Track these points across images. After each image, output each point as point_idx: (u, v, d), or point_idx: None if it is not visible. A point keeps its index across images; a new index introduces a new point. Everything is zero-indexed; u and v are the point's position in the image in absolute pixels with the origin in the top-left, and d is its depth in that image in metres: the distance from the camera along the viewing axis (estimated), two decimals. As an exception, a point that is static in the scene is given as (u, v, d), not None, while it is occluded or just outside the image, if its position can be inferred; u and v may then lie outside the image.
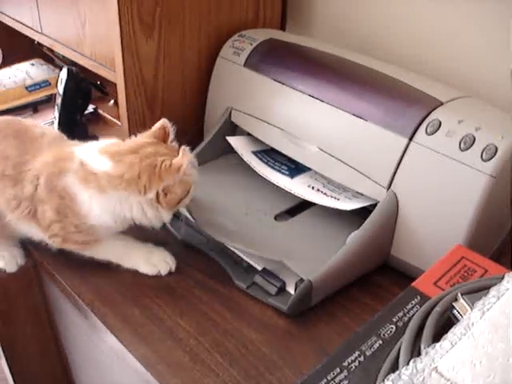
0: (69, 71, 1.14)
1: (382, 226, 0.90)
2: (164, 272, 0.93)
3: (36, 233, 0.93)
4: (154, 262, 0.94)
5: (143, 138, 0.90)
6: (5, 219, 0.91)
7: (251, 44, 1.11)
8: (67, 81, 1.13)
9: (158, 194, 0.85)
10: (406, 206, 0.89)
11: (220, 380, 0.77)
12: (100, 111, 1.42)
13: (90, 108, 1.42)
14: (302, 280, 0.85)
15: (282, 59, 1.08)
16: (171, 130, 0.90)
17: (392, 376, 0.54)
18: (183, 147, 0.87)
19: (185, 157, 0.84)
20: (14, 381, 1.20)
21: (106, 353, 0.96)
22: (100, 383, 1.11)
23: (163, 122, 0.91)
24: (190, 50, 1.12)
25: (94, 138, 1.23)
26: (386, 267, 0.95)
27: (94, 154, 0.87)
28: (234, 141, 1.10)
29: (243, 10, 1.18)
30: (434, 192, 0.85)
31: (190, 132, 1.18)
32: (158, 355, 0.80)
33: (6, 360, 1.15)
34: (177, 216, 0.96)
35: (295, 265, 0.88)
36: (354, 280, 0.91)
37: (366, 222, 0.89)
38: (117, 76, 1.07)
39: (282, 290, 0.88)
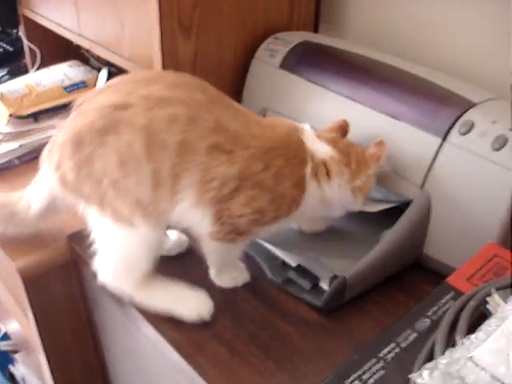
0: (109, 72, 1.17)
1: (414, 225, 0.91)
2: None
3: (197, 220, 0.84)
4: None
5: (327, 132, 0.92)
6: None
7: (286, 46, 1.13)
8: (106, 81, 1.17)
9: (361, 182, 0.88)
10: (439, 205, 0.90)
11: (256, 371, 0.79)
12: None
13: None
14: (335, 276, 0.87)
15: (317, 61, 1.10)
16: (349, 128, 0.94)
17: (429, 365, 0.56)
18: (379, 139, 0.90)
19: (383, 148, 0.89)
20: (52, 372, 1.23)
21: (143, 344, 0.98)
22: (136, 374, 1.14)
23: (343, 120, 0.93)
24: (226, 51, 1.15)
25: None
26: (419, 265, 0.96)
27: (315, 139, 0.88)
28: None
29: (278, 12, 1.21)
30: (467, 191, 0.87)
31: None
32: (196, 346, 0.83)
33: (45, 352, 1.19)
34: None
35: (330, 261, 0.91)
36: (387, 277, 0.93)
37: (399, 221, 0.91)
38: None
39: (315, 285, 0.90)
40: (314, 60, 1.11)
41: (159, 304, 0.87)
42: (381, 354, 0.65)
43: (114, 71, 1.20)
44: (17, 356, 1.60)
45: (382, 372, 0.63)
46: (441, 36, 1.16)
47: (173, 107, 0.76)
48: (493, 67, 1.10)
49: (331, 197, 0.88)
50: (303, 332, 0.85)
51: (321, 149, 0.87)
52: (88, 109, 0.79)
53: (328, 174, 0.86)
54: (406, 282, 0.94)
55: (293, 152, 0.84)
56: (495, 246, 0.81)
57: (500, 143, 0.84)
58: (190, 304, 0.87)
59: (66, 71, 1.49)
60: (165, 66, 1.06)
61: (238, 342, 0.84)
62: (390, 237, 0.90)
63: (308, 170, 0.85)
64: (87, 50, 1.47)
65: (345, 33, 1.32)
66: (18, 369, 1.68)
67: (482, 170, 0.85)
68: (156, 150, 0.76)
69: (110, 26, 1.21)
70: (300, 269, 0.92)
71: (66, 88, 1.45)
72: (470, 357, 0.56)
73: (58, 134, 0.82)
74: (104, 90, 0.81)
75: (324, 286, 0.90)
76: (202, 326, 0.86)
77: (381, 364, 0.64)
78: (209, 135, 0.78)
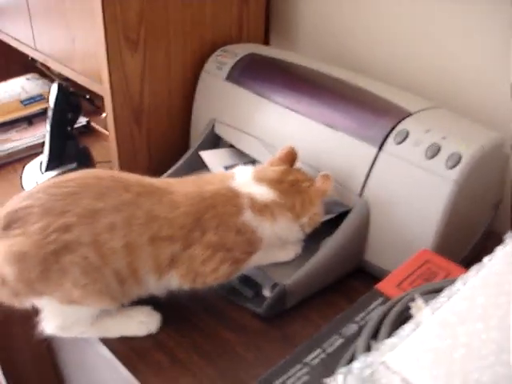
0: (59, 86, 1.18)
1: (354, 232, 0.94)
2: None
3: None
4: None
5: (275, 164, 0.95)
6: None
7: (233, 58, 1.16)
8: (57, 95, 1.18)
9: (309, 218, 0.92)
10: (377, 213, 0.92)
11: (197, 379, 0.81)
12: (93, 124, 1.46)
13: (84, 121, 1.47)
14: (276, 284, 0.89)
15: (261, 73, 1.13)
16: (298, 155, 0.96)
17: (343, 369, 0.58)
18: (325, 173, 0.93)
19: (328, 182, 0.91)
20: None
21: (90, 354, 1.00)
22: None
23: (290, 147, 0.96)
24: (175, 64, 1.17)
25: (85, 149, 1.27)
26: (361, 271, 0.98)
27: (253, 184, 0.91)
28: (206, 156, 1.14)
29: (227, 25, 1.23)
30: (403, 199, 0.89)
31: (177, 143, 1.23)
32: (139, 355, 0.85)
33: (2, 368, 1.19)
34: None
35: (271, 270, 0.93)
36: (328, 284, 0.95)
37: (338, 229, 0.93)
38: (104, 90, 1.11)
39: (258, 294, 0.92)
40: (258, 72, 1.13)
41: (111, 333, 0.88)
42: (306, 360, 0.67)
43: (66, 84, 1.21)
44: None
45: (306, 377, 0.65)
46: (389, 48, 1.19)
47: (108, 216, 0.81)
48: (439, 77, 1.13)
49: (281, 233, 0.92)
50: (245, 340, 0.87)
51: (261, 192, 0.90)
52: (26, 229, 0.80)
53: (273, 215, 0.89)
54: (348, 288, 0.96)
55: (221, 209, 0.87)
56: (427, 251, 0.83)
57: (433, 151, 0.86)
58: (139, 323, 0.89)
59: (23, 84, 1.50)
60: (112, 80, 1.08)
61: (180, 351, 0.85)
62: (330, 244, 0.92)
63: (247, 215, 0.88)
64: (43, 64, 1.48)
65: (295, 45, 1.35)
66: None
67: (416, 177, 0.87)
68: (108, 256, 0.81)
69: (62, 40, 1.22)
70: (244, 278, 0.94)
71: (22, 101, 1.46)
72: (383, 361, 0.57)
73: None
74: (33, 208, 0.81)
75: (266, 294, 0.92)
76: (146, 335, 0.88)
77: (306, 369, 0.66)
78: (145, 230, 0.82)
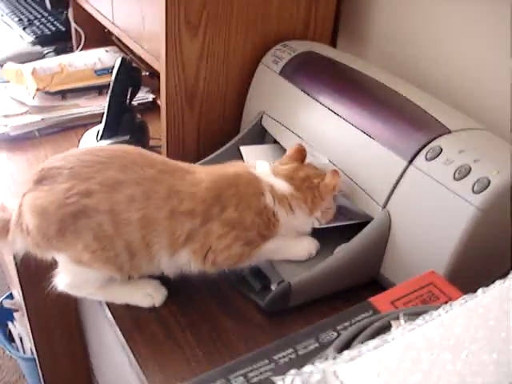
0: (122, 60, 1.23)
1: (371, 243, 0.92)
2: None
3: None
4: None
5: (284, 162, 0.99)
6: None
7: (290, 54, 1.16)
8: (119, 68, 1.22)
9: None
10: (398, 227, 0.91)
11: (185, 357, 0.84)
12: (158, 101, 1.51)
13: (150, 97, 1.51)
14: (283, 281, 0.90)
15: (313, 72, 1.12)
16: (307, 153, 1.00)
17: (294, 371, 0.57)
18: (334, 169, 0.96)
19: (336, 177, 0.94)
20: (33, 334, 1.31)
21: (100, 316, 1.04)
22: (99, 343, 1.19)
23: (299, 145, 1.00)
24: (234, 53, 1.18)
25: (141, 123, 1.31)
26: (377, 284, 0.97)
27: (272, 176, 0.95)
28: (245, 150, 1.15)
29: (293, 21, 1.23)
30: (425, 217, 0.87)
31: (227, 131, 1.25)
32: (137, 325, 0.88)
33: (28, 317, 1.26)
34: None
35: (282, 267, 0.93)
36: (338, 291, 0.94)
37: (356, 236, 0.92)
38: (160, 69, 1.14)
39: (266, 287, 0.93)
40: (310, 70, 1.13)
41: (117, 299, 0.92)
42: (275, 357, 0.67)
43: (129, 59, 1.25)
44: (15, 314, 1.70)
45: (269, 373, 0.65)
46: (451, 68, 1.15)
47: (128, 188, 0.84)
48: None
49: (297, 224, 0.95)
50: (242, 330, 0.88)
51: (280, 185, 0.94)
52: (53, 187, 0.85)
53: (290, 207, 0.93)
54: (358, 298, 0.92)
55: (243, 188, 0.90)
56: (434, 274, 0.80)
57: (462, 173, 0.84)
58: (146, 294, 0.92)
59: (101, 55, 1.56)
60: (168, 61, 1.10)
61: (177, 328, 0.88)
62: (344, 251, 0.92)
63: (268, 199, 0.91)
64: (118, 38, 1.53)
65: (363, 51, 1.32)
66: (16, 326, 1.77)
67: (440, 197, 0.85)
68: (122, 227, 0.85)
69: (135, 17, 1.27)
70: (255, 270, 0.95)
71: (96, 71, 1.52)
72: (334, 370, 0.57)
73: (25, 201, 0.86)
74: (63, 169, 0.85)
75: (274, 288, 0.92)
76: (149, 309, 0.91)
77: (271, 366, 0.66)
78: (164, 204, 0.85)
